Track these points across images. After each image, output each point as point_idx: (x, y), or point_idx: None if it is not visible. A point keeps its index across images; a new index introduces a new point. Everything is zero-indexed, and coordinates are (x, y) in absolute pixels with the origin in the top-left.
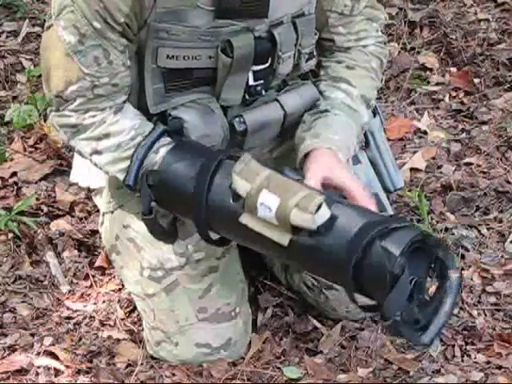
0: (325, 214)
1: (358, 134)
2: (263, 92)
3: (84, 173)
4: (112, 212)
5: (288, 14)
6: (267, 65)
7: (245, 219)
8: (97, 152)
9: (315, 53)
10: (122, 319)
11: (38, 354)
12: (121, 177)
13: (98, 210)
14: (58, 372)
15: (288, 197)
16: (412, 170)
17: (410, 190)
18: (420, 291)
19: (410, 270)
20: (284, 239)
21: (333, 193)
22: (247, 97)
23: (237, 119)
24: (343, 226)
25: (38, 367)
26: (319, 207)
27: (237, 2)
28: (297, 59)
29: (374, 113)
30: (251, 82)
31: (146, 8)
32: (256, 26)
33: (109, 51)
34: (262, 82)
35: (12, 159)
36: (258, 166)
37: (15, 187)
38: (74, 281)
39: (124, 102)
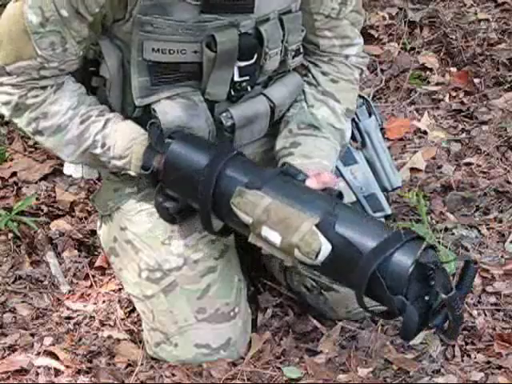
0: (325, 252)
1: (339, 154)
2: (249, 88)
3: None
4: (110, 214)
5: (275, 10)
6: (253, 61)
7: (253, 240)
8: (38, 132)
9: (302, 50)
10: (122, 319)
11: (38, 353)
12: (68, 160)
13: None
14: (58, 372)
15: (289, 235)
16: (412, 169)
17: (410, 190)
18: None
19: (416, 286)
20: (292, 261)
21: (330, 201)
22: (233, 93)
23: (224, 114)
24: (346, 256)
25: (38, 367)
26: (319, 251)
27: None
28: (283, 56)
29: (370, 113)
30: (236, 78)
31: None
32: (242, 22)
33: (66, 40)
34: (247, 78)
35: (12, 159)
36: (254, 196)
37: (15, 187)
38: (74, 281)
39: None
